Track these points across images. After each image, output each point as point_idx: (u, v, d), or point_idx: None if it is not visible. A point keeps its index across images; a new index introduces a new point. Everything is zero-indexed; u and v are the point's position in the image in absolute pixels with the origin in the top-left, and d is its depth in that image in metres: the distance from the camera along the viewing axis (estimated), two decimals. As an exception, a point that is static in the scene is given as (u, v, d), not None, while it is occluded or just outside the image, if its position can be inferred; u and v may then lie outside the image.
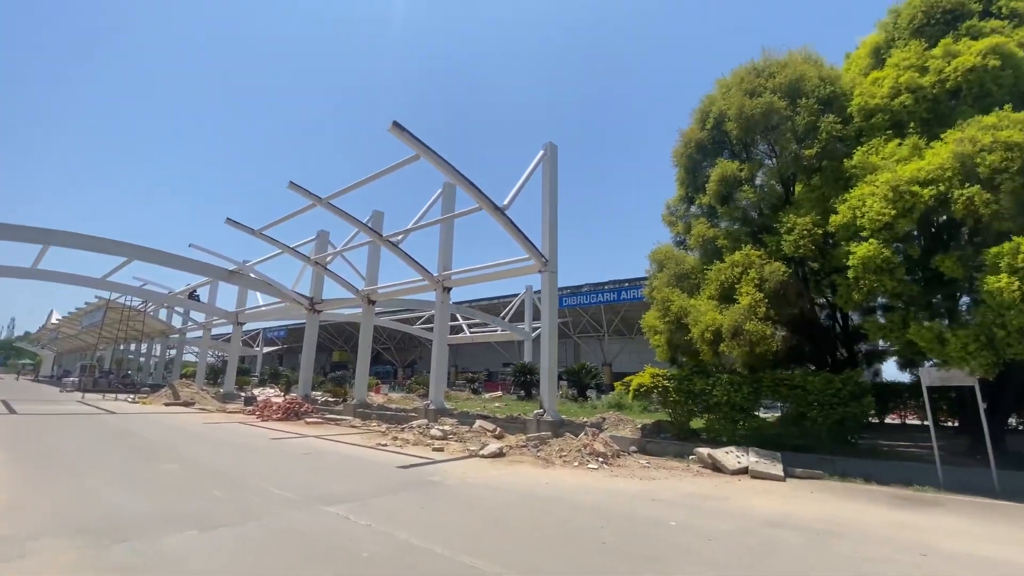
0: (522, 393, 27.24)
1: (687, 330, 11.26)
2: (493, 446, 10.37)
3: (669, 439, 11.92)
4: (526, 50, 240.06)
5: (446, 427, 13.39)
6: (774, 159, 11.53)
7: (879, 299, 11.05)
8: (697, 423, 12.38)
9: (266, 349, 60.03)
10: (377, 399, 23.78)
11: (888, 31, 11.31)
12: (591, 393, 27.16)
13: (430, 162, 12.05)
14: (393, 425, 15.34)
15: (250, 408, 19.18)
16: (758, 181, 11.73)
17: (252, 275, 21.92)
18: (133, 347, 49.71)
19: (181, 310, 36.17)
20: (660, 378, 11.90)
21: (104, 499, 5.98)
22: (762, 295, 10.13)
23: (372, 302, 21.37)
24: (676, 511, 6.17)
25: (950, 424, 17.10)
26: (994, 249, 7.62)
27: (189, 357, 59.93)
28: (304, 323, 23.10)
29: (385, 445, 11.45)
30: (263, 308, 25.24)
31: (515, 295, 38.92)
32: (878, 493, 7.67)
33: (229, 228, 19.05)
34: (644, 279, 35.34)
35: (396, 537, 4.75)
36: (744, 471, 9.01)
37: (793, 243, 10.18)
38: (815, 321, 12.21)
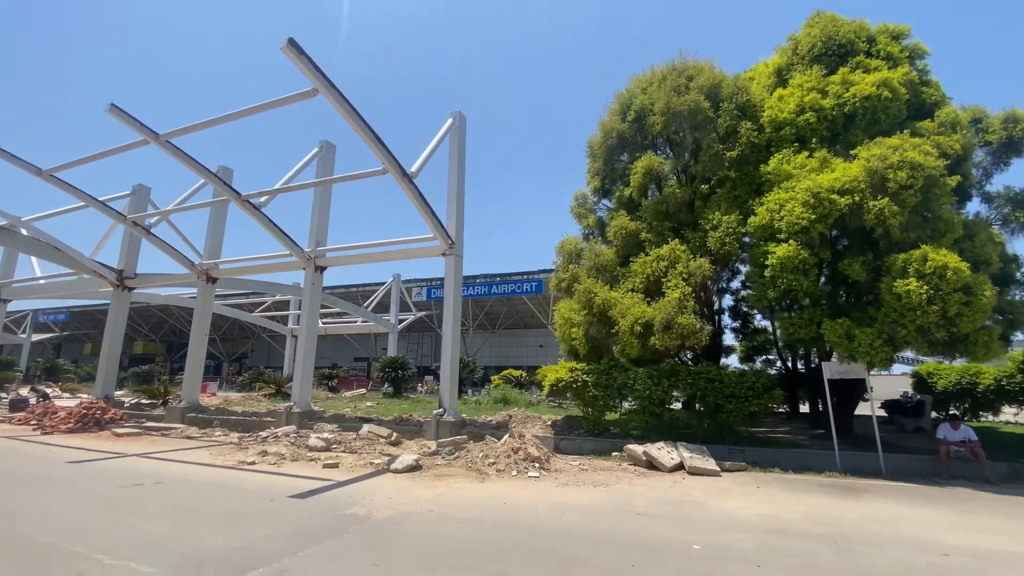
0: (390, 390, 24.79)
1: (611, 323, 10.81)
2: (406, 458, 8.50)
3: (583, 436, 11.38)
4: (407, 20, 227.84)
5: (326, 435, 10.95)
6: (695, 157, 11.73)
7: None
8: (608, 416, 12.09)
9: (36, 336, 45.80)
10: (211, 401, 19.23)
11: (788, 55, 12.35)
12: (465, 388, 25.98)
13: (331, 100, 9.52)
14: (247, 435, 12.15)
15: (20, 415, 13.60)
16: (680, 178, 11.85)
17: (27, 233, 15.62)
18: None
19: None
20: (579, 372, 11.26)
21: None
22: (690, 289, 10.12)
23: (212, 280, 17.08)
24: (675, 528, 5.34)
25: (783, 411, 20.07)
26: (902, 255, 8.48)
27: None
28: (99, 304, 17.50)
29: (252, 463, 8.68)
30: (42, 281, 18.33)
31: (380, 283, 35.86)
32: (807, 483, 7.94)
33: (4, 170, 13.21)
34: (516, 275, 35.63)
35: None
36: (680, 467, 8.76)
37: (719, 239, 10.37)
38: (719, 316, 12.85)
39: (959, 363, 15.03)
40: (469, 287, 36.32)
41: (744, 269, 15.24)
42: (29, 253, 16.31)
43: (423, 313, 38.20)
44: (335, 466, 8.50)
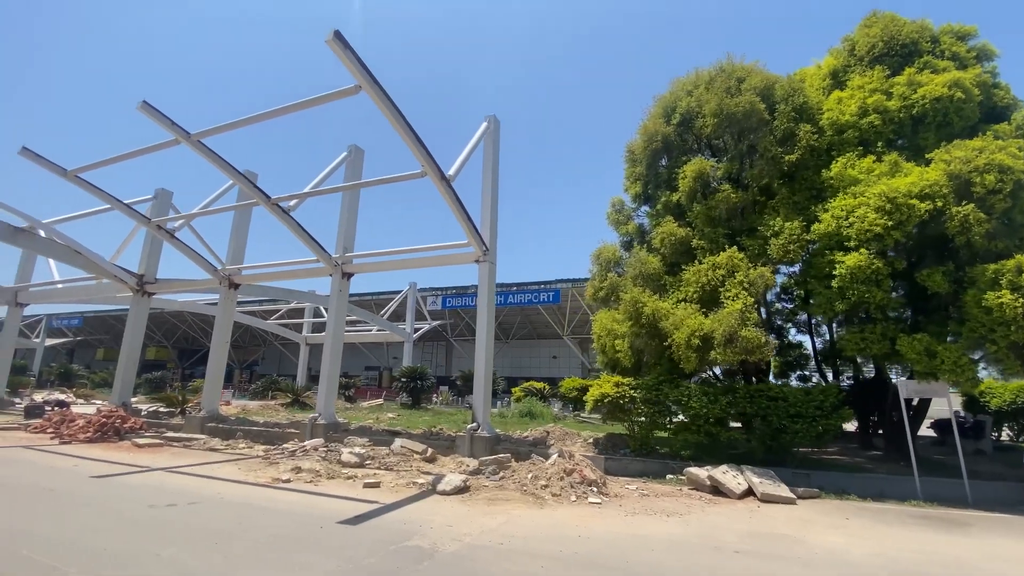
0: (407, 400, 24.19)
1: (662, 335, 10.18)
2: (453, 478, 7.88)
3: (630, 455, 10.71)
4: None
5: (358, 449, 10.34)
6: (748, 161, 11.16)
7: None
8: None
9: (50, 341, 45.62)
10: (228, 410, 18.71)
11: (843, 57, 11.81)
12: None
13: (374, 98, 9.05)
14: (272, 447, 11.59)
15: (36, 422, 13.11)
16: (730, 182, 11.28)
17: (46, 235, 15.26)
18: None
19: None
20: (626, 387, 10.62)
21: None
22: (752, 300, 9.50)
23: (235, 286, 16.63)
24: (792, 572, 4.68)
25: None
26: (993, 266, 7.83)
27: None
28: (113, 309, 17.05)
29: (287, 480, 8.09)
30: (60, 285, 17.98)
31: (395, 292, 35.40)
32: (897, 513, 7.24)
33: (29, 172, 12.85)
34: (532, 284, 35.06)
35: None
36: (748, 493, 8.07)
37: (781, 247, 9.75)
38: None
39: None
40: (485, 296, 35.82)
41: (779, 280, 14.56)
42: (48, 256, 15.95)
43: (438, 323, 37.67)
44: (376, 486, 7.89)
